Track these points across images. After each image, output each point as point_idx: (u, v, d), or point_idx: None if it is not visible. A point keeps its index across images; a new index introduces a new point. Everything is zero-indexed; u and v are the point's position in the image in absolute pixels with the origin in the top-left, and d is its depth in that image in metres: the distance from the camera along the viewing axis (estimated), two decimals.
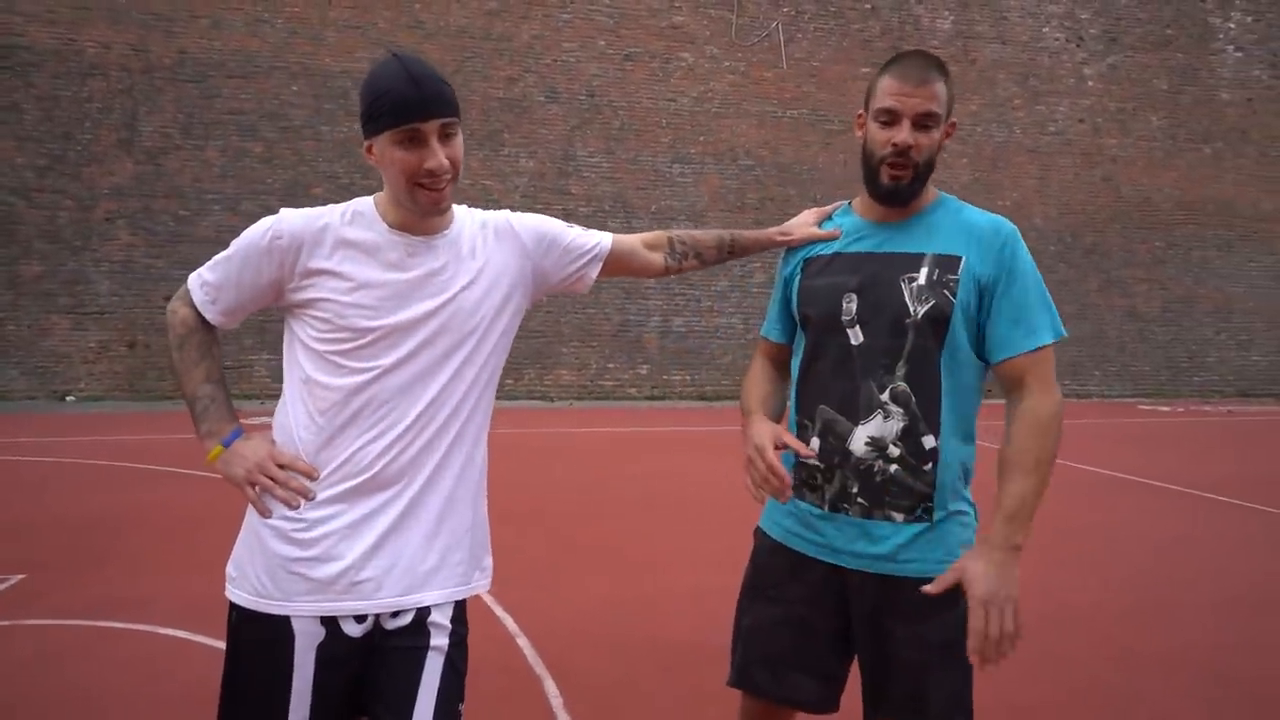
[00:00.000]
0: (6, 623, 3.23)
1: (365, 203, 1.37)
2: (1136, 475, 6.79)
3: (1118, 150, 14.26)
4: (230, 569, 1.35)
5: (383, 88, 1.26)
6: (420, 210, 1.31)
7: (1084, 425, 10.44)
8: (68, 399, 10.65)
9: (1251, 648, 3.19)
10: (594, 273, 1.55)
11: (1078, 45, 14.27)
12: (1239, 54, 14.67)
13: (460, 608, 1.38)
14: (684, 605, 3.36)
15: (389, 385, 1.30)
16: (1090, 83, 14.26)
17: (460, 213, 1.43)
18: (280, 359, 1.39)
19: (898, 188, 1.43)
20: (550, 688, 2.78)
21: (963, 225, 1.46)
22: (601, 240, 1.56)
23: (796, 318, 1.55)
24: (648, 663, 2.97)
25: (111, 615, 3.32)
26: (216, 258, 1.37)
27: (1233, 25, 14.67)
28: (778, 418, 1.58)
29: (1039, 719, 2.62)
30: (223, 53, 11.24)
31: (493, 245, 1.43)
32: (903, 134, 1.40)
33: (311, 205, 1.39)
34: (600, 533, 4.78)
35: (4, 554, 4.08)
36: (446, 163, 1.28)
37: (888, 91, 1.42)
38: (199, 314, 1.38)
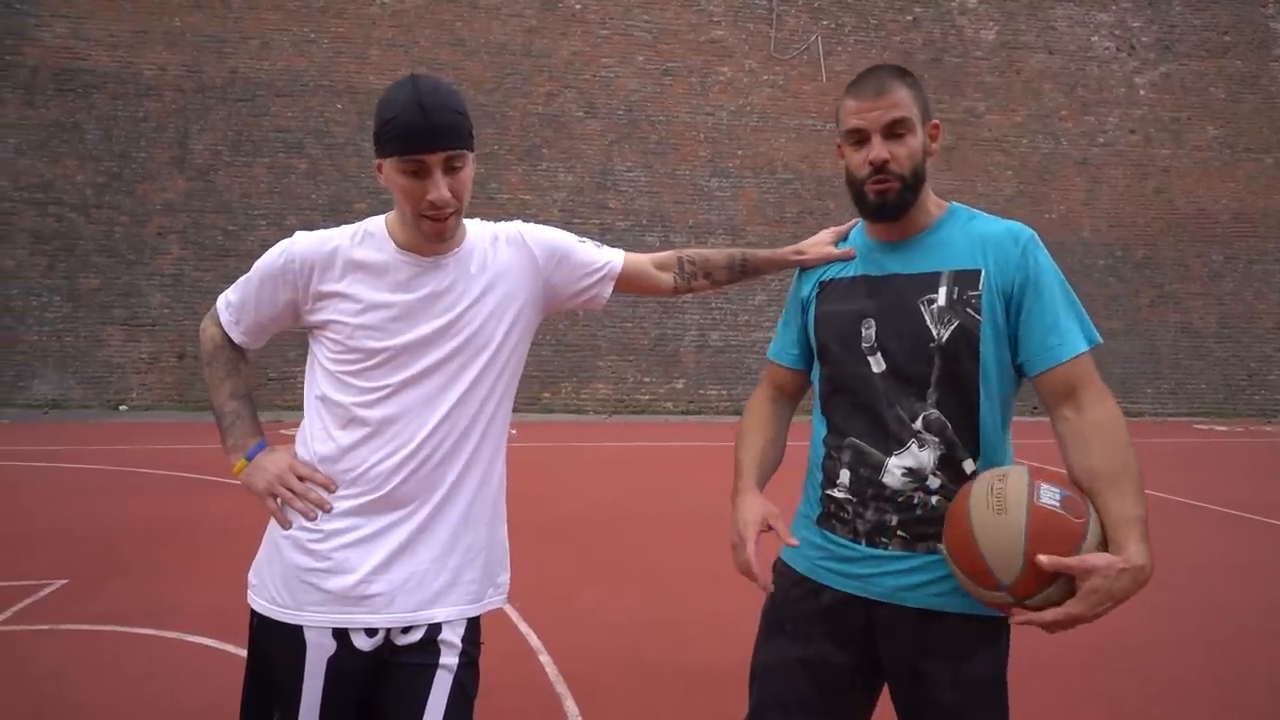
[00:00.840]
0: (45, 627, 3.30)
1: (376, 223, 1.38)
2: (1190, 498, 6.50)
3: (1171, 161, 13.83)
4: (251, 577, 1.37)
5: (392, 113, 1.25)
6: (424, 238, 1.32)
7: (1137, 445, 10.06)
8: (120, 408, 10.99)
9: None
10: (607, 291, 1.52)
11: (1129, 54, 13.90)
12: None
13: (473, 625, 1.37)
14: (708, 626, 3.29)
15: (399, 404, 1.31)
16: (1142, 92, 13.87)
17: (473, 228, 1.42)
18: None
19: (884, 202, 1.37)
20: (570, 706, 2.74)
21: (977, 236, 1.38)
22: (612, 259, 1.53)
23: (815, 344, 1.49)
24: (670, 684, 2.92)
25: (145, 622, 3.36)
26: (239, 280, 1.41)
27: None
28: (772, 472, 1.53)
29: None
30: (271, 72, 11.58)
31: (503, 259, 1.42)
32: (875, 150, 1.35)
33: (354, 220, 1.41)
34: (628, 549, 4.73)
35: (47, 560, 4.18)
36: (449, 195, 1.26)
37: (850, 112, 1.38)
38: (226, 333, 1.43)
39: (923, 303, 1.36)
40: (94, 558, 4.26)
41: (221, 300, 1.44)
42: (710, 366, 12.53)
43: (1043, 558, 1.14)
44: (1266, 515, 5.90)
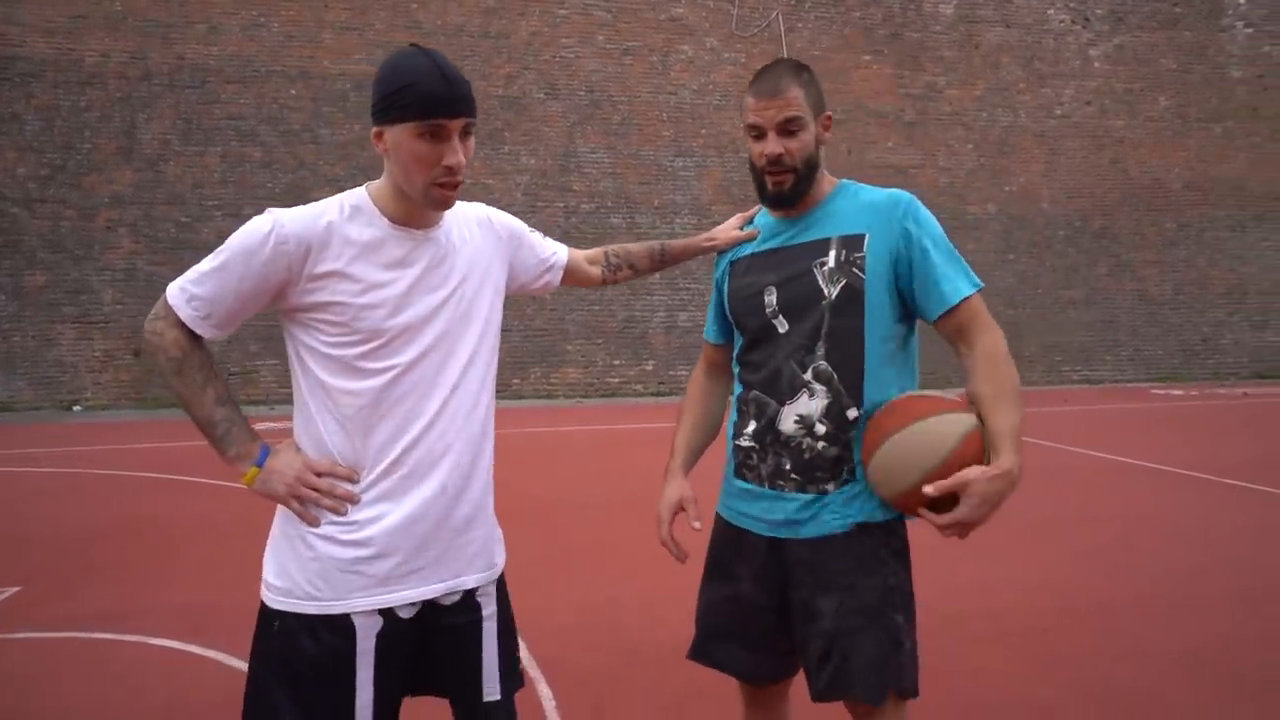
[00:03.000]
0: None
1: (359, 195, 1.34)
2: (1149, 461, 6.67)
3: (1125, 132, 14.07)
4: (273, 579, 1.32)
5: (409, 79, 1.23)
6: (431, 206, 1.31)
7: (1096, 411, 10.30)
8: (74, 409, 10.68)
9: (1268, 641, 3.09)
10: (556, 280, 1.64)
11: (1083, 26, 14.07)
12: (1249, 30, 14.43)
13: (500, 583, 1.48)
14: (679, 604, 3.26)
15: (411, 381, 1.31)
16: (1096, 64, 14.06)
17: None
18: (285, 363, 1.33)
19: (781, 193, 1.53)
20: (544, 690, 2.73)
21: (863, 205, 1.55)
22: (558, 251, 1.65)
23: (730, 316, 1.65)
24: (642, 662, 2.93)
25: (104, 627, 3.26)
26: (201, 269, 1.30)
27: (1242, 1, 14.43)
28: (707, 443, 1.74)
29: (1052, 717, 2.54)
30: (220, 58, 11.23)
31: (477, 236, 1.45)
32: (770, 145, 1.50)
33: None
34: (599, 531, 4.72)
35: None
36: (464, 160, 1.28)
37: (749, 109, 1.53)
38: (189, 332, 1.30)
39: (815, 266, 1.52)
40: (49, 563, 4.13)
41: (177, 296, 1.29)
42: (680, 347, 12.53)
43: (928, 488, 1.32)
44: (1222, 476, 6.06)
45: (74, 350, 10.83)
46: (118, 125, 10.94)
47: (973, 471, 1.31)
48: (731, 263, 1.66)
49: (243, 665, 2.84)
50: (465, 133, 1.28)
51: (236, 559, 4.19)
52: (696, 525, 1.60)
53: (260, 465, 1.31)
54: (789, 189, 1.52)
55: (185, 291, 1.30)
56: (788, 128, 1.49)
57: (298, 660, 1.29)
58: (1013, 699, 2.66)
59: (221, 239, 1.35)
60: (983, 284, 1.52)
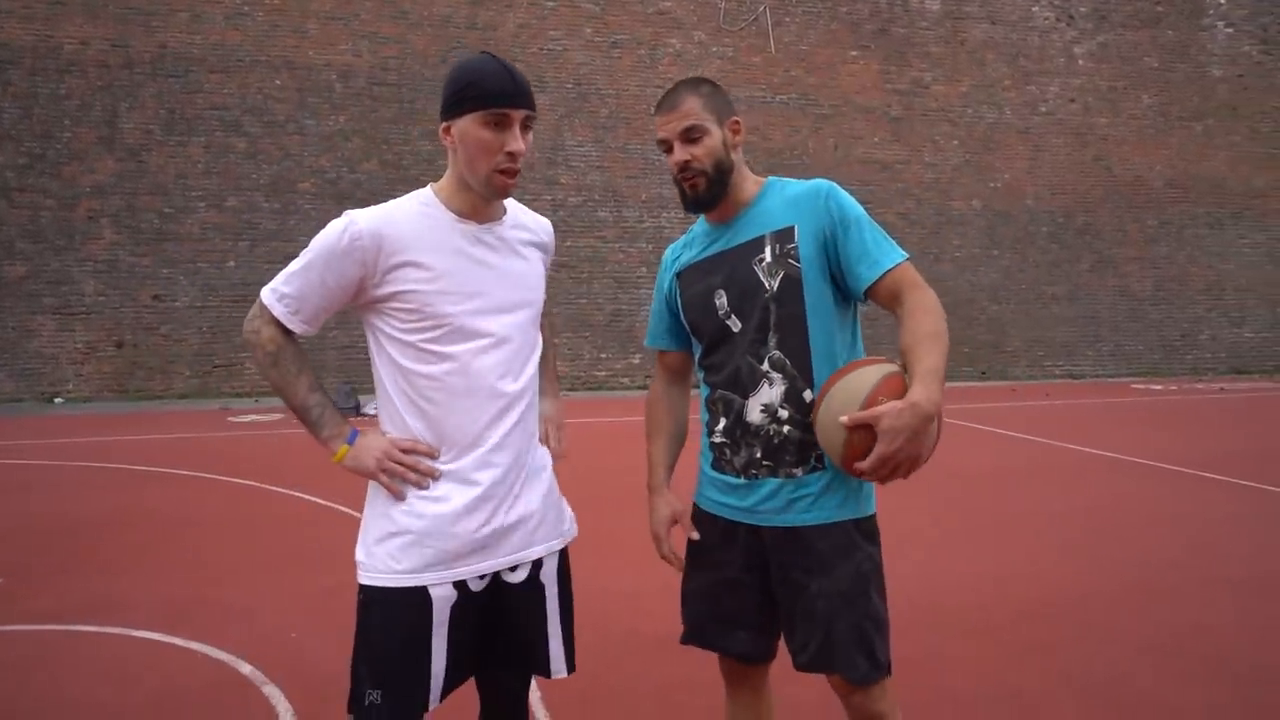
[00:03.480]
0: None
1: (425, 193, 1.47)
2: (1129, 455, 6.77)
3: (1109, 129, 14.21)
4: (359, 556, 1.44)
5: (478, 75, 1.39)
6: (492, 193, 1.43)
7: (1078, 405, 10.43)
8: (56, 401, 10.57)
9: (1243, 629, 3.15)
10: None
11: (1068, 24, 14.18)
12: (1229, 30, 14.60)
13: (564, 555, 1.58)
14: (665, 596, 3.28)
15: (484, 364, 1.42)
16: (1081, 62, 14.18)
17: (510, 203, 1.57)
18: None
19: (698, 195, 1.62)
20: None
21: (789, 199, 1.63)
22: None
23: (687, 326, 1.73)
24: (626, 655, 2.94)
25: (86, 619, 3.24)
26: (289, 270, 1.43)
27: (1223, 1, 14.59)
28: (680, 450, 1.83)
29: (1028, 706, 2.57)
30: (204, 47, 11.10)
31: (535, 239, 1.58)
32: (677, 154, 1.61)
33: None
34: (584, 524, 4.66)
35: None
36: (524, 148, 1.41)
37: (657, 127, 1.65)
38: (282, 329, 1.44)
39: (755, 263, 1.61)
40: (31, 555, 4.11)
41: (270, 296, 1.43)
42: None
43: (843, 418, 1.39)
44: (1200, 469, 6.17)
45: (55, 342, 10.71)
46: (98, 114, 10.80)
47: (883, 407, 1.37)
48: (678, 275, 1.74)
49: (227, 657, 2.87)
50: (525, 125, 1.42)
51: (221, 551, 4.19)
52: (695, 536, 1.71)
53: (351, 444, 1.44)
54: (704, 190, 1.61)
55: (276, 291, 1.43)
56: (689, 135, 1.60)
57: (378, 630, 1.39)
58: (989, 688, 2.70)
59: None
60: (910, 254, 1.59)
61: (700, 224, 1.76)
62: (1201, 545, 4.29)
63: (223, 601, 3.45)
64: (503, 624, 1.48)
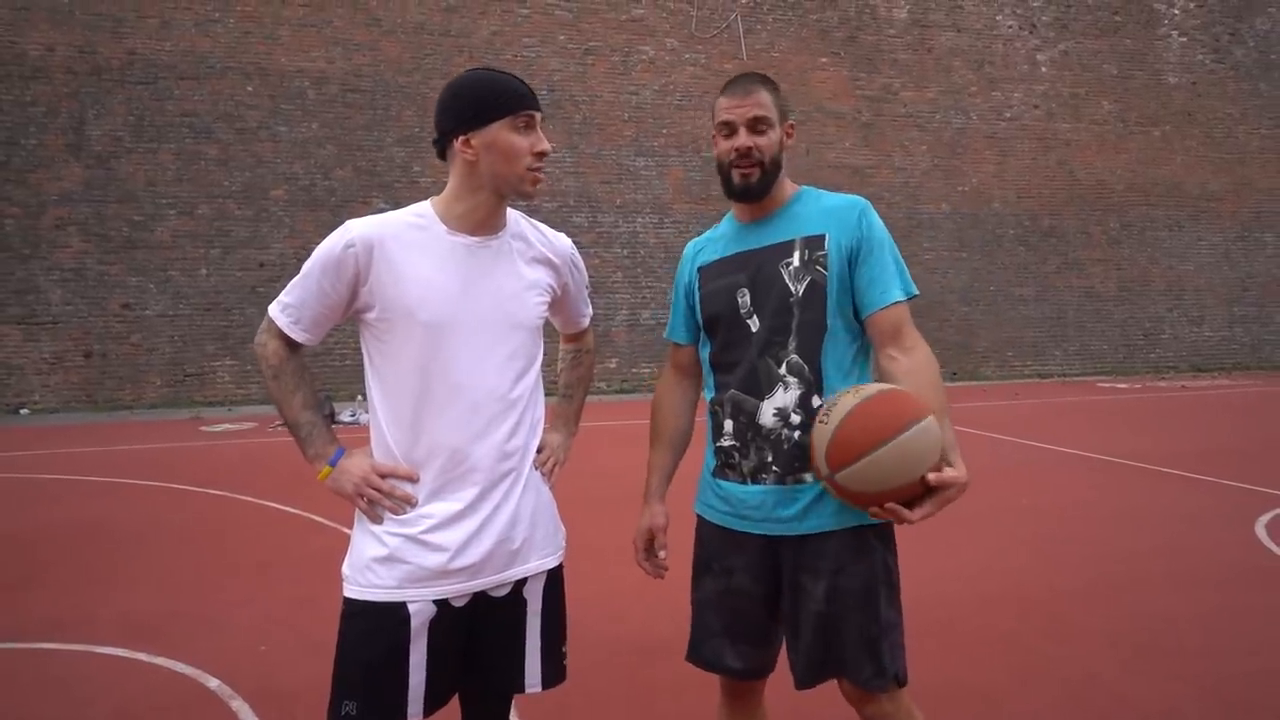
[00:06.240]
0: None
1: (423, 207, 1.48)
2: (1094, 452, 6.94)
3: (1071, 134, 14.57)
4: (345, 570, 1.45)
5: (497, 85, 1.44)
6: (523, 193, 1.45)
7: (1045, 404, 10.67)
8: (21, 411, 10.36)
9: (1204, 622, 3.22)
10: (565, 330, 1.79)
11: (1030, 32, 14.53)
12: (1183, 39, 15.06)
13: (553, 575, 1.55)
14: (640, 600, 3.30)
15: (467, 377, 1.41)
16: (1043, 69, 14.53)
17: (514, 215, 1.56)
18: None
19: (748, 185, 1.62)
20: None
21: (823, 208, 1.65)
22: (587, 316, 1.77)
23: (702, 321, 1.72)
24: (605, 657, 2.90)
25: (48, 637, 3.15)
26: (292, 282, 1.46)
27: (1176, 11, 15.05)
28: (680, 458, 1.82)
29: (990, 701, 2.56)
30: (173, 53, 10.98)
31: (545, 255, 1.56)
32: (740, 139, 1.61)
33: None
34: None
35: None
36: (550, 149, 1.46)
37: (722, 108, 1.64)
38: (287, 343, 1.47)
39: (782, 266, 1.61)
40: None
41: (274, 307, 1.46)
42: (643, 345, 12.63)
43: (930, 476, 1.38)
44: (1162, 465, 6.35)
45: (20, 352, 10.50)
46: (65, 121, 10.63)
47: (960, 476, 1.41)
48: (700, 268, 1.73)
49: (193, 671, 2.85)
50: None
51: (187, 565, 4.06)
52: (662, 554, 1.74)
53: (334, 465, 1.44)
54: (756, 181, 1.61)
55: (280, 303, 1.47)
56: (757, 126, 1.60)
57: (356, 641, 1.40)
58: (955, 683, 2.71)
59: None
60: (917, 292, 1.63)
61: (727, 221, 1.76)
62: (1165, 540, 4.38)
63: (190, 615, 3.35)
64: (483, 637, 1.47)
